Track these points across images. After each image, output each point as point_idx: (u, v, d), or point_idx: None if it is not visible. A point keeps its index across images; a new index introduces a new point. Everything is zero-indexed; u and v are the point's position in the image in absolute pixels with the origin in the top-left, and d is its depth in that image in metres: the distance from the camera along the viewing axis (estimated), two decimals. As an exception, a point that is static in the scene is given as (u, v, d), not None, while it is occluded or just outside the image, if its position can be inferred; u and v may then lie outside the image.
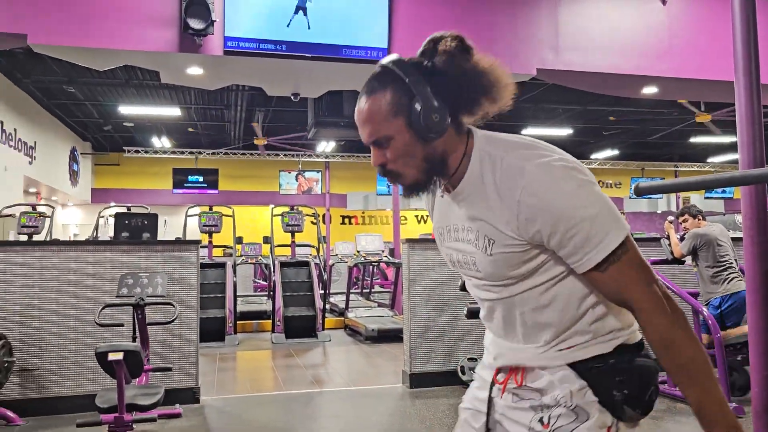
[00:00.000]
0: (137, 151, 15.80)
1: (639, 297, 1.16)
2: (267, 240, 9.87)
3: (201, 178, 15.16)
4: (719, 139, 14.05)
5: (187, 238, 8.63)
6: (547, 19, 6.00)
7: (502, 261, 1.22)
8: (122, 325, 4.26)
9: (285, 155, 15.94)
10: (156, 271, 4.41)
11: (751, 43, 2.69)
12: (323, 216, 14.76)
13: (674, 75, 6.15)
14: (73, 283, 4.44)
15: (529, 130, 14.28)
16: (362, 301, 10.44)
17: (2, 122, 10.28)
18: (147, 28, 5.18)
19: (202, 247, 6.70)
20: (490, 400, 1.37)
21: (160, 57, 5.38)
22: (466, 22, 5.90)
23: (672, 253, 4.98)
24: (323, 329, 8.06)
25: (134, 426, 3.50)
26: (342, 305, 9.21)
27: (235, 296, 7.99)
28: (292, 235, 9.03)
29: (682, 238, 4.98)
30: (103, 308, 4.09)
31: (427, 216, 18.44)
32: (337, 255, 9.95)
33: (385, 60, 1.27)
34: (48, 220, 7.96)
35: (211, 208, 9.06)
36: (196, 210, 9.19)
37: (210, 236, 8.90)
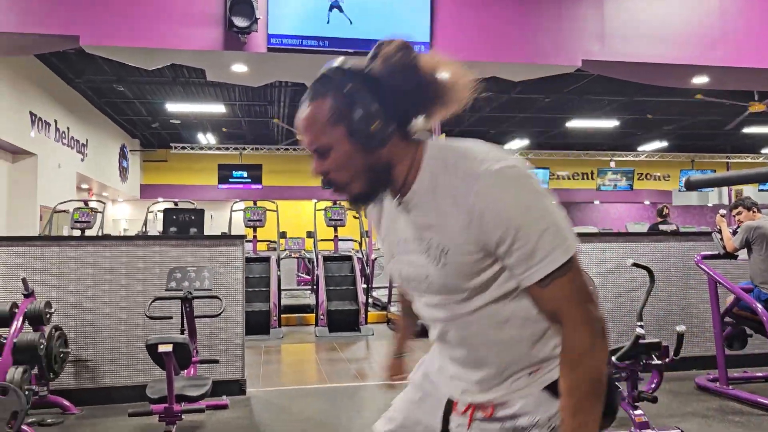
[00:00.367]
0: (183, 148, 16.16)
1: (570, 312, 1.13)
2: (310, 234, 9.96)
3: (245, 174, 15.40)
4: (774, 129, 13.55)
5: (232, 232, 8.79)
6: (592, 8, 5.88)
7: (455, 271, 1.17)
8: (171, 318, 4.37)
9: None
10: (203, 265, 4.51)
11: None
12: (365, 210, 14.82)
13: (726, 64, 5.95)
14: (124, 277, 4.57)
15: (574, 123, 14.03)
16: (404, 295, 10.43)
17: (56, 121, 10.65)
18: (193, 27, 5.29)
19: (247, 241, 6.81)
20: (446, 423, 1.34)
21: (206, 55, 5.49)
22: (509, 14, 5.82)
23: (724, 247, 4.82)
24: (366, 323, 8.10)
25: (183, 416, 3.60)
26: (384, 299, 9.23)
27: (280, 290, 8.09)
28: (335, 230, 9.09)
29: (734, 233, 4.81)
30: (153, 301, 4.21)
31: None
32: (379, 249, 9.97)
33: (327, 66, 1.22)
34: (99, 215, 8.20)
35: (255, 203, 9.19)
36: (241, 205, 9.33)
37: (254, 231, 9.03)
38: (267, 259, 8.43)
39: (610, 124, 14.06)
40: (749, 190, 16.76)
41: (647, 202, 18.78)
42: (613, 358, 3.53)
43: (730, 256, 4.81)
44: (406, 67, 1.17)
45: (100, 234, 8.20)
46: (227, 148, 16.24)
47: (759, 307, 4.28)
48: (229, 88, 11.02)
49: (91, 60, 8.98)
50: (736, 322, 4.68)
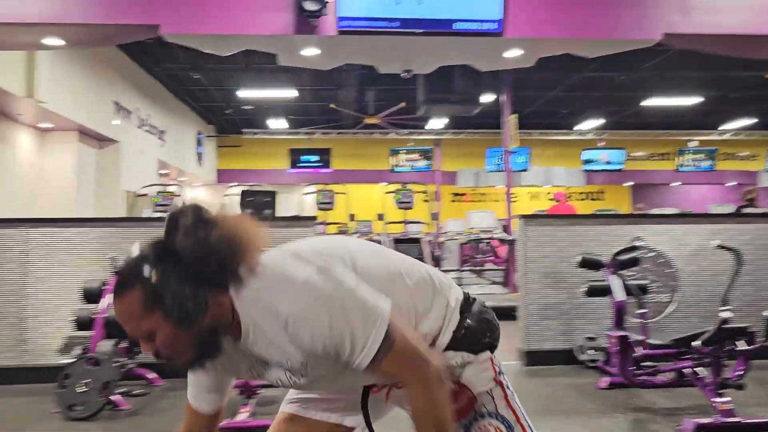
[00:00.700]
0: (255, 133, 16.52)
1: (406, 379, 1.29)
2: (380, 217, 10.05)
3: (315, 158, 15.61)
4: None
5: (303, 215, 8.96)
6: (674, -22, 5.59)
7: (324, 365, 1.29)
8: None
9: (397, 134, 16.06)
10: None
11: None
12: (434, 193, 14.75)
13: (823, 33, 5.55)
14: (203, 257, 4.74)
15: (652, 101, 13.45)
16: (474, 278, 10.38)
17: (138, 108, 11.12)
18: (264, 12, 5.39)
19: (318, 223, 6.93)
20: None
21: (278, 40, 5.58)
22: (584, -13, 5.63)
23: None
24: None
25: (259, 391, 3.71)
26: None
27: (350, 271, 8.21)
28: (404, 213, 9.12)
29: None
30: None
31: (539, 192, 17.98)
32: (447, 232, 9.94)
33: (125, 262, 1.27)
34: (178, 199, 8.53)
35: (325, 187, 9.33)
36: (312, 188, 9.50)
37: (325, 213, 9.18)
38: (337, 241, 8.55)
39: (692, 101, 13.39)
40: None
41: (733, 183, 17.85)
42: (696, 342, 3.39)
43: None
44: (207, 237, 1.20)
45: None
46: (297, 133, 16.51)
47: None
48: (300, 72, 11.15)
49: (168, 49, 9.29)
50: None
